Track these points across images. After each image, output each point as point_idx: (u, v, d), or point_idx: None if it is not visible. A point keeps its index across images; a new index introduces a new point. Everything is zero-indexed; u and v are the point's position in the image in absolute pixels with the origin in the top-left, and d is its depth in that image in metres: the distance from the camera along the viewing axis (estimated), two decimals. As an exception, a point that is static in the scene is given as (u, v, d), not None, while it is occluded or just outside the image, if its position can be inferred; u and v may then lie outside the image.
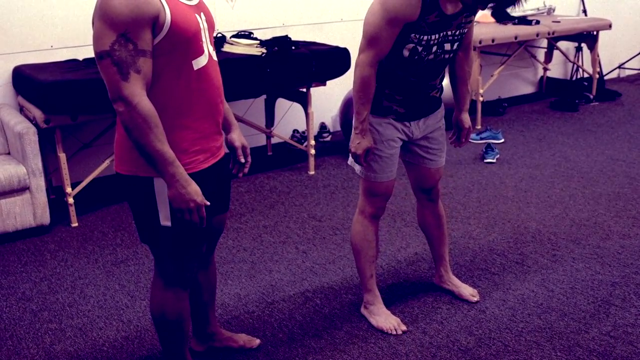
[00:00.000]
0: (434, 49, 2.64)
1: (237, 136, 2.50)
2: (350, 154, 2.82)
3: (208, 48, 2.17)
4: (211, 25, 2.24)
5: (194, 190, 2.08)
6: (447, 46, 2.68)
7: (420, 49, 2.62)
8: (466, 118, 3.03)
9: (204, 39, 2.14)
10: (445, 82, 3.06)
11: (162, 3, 1.99)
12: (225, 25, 5.21)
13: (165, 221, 2.19)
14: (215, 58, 2.24)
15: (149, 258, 3.71)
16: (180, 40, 2.04)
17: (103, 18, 1.95)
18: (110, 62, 1.95)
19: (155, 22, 1.98)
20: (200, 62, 2.13)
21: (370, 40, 2.61)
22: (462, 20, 2.66)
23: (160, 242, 2.26)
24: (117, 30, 1.93)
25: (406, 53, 2.63)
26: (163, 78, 2.06)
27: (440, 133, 2.94)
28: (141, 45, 1.96)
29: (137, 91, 1.96)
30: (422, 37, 2.59)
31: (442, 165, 3.02)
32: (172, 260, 2.31)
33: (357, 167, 2.88)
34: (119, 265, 3.65)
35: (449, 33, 2.65)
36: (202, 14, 2.17)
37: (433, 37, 2.61)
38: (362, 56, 2.64)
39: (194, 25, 2.09)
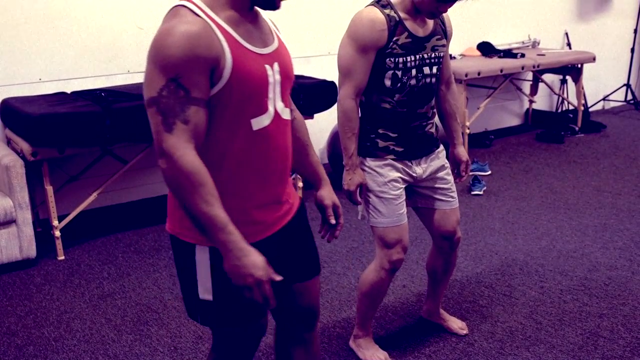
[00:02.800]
0: (414, 72, 2.66)
1: (328, 193, 2.18)
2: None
3: (275, 106, 1.85)
4: (286, 77, 1.89)
5: (252, 262, 1.69)
6: (427, 70, 2.70)
7: (399, 73, 2.63)
8: (462, 151, 3.00)
9: (271, 95, 1.82)
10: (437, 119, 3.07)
11: (223, 48, 1.70)
12: (214, 59, 5.24)
13: (205, 294, 1.89)
14: (286, 117, 1.90)
15: (135, 292, 3.69)
16: (240, 95, 1.74)
17: (154, 59, 1.66)
18: (156, 110, 1.66)
19: (214, 70, 1.69)
20: (261, 122, 1.81)
21: (346, 73, 2.63)
22: (435, 43, 2.70)
23: (199, 317, 1.95)
24: (167, 74, 1.64)
25: (388, 82, 2.65)
26: (214, 135, 1.76)
27: (446, 172, 2.90)
28: (195, 92, 1.66)
29: (180, 144, 1.65)
30: (397, 59, 2.61)
31: (456, 207, 2.95)
32: (222, 341, 2.00)
33: (366, 216, 2.82)
34: (105, 299, 3.62)
35: (425, 56, 2.67)
36: (276, 64, 1.84)
37: (409, 59, 2.63)
38: (341, 91, 2.66)
39: (260, 79, 1.78)
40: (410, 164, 2.78)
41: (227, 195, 1.79)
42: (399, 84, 2.65)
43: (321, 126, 5.75)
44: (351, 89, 2.63)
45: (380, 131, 2.73)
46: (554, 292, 3.58)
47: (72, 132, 3.90)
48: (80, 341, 3.22)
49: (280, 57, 1.87)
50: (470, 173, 5.64)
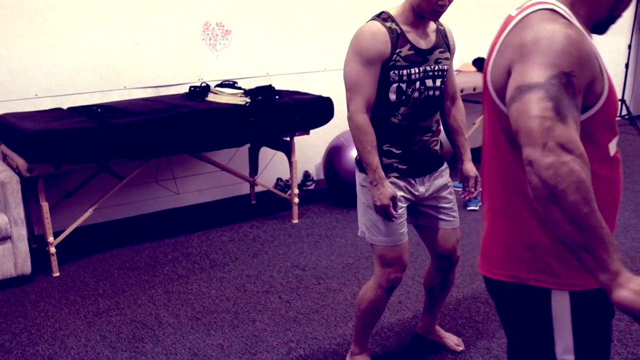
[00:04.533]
0: (417, 84, 2.65)
1: (472, 167, 2.85)
2: (363, 224, 2.76)
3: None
4: None
5: None
6: (429, 82, 2.69)
7: (404, 86, 2.63)
8: (471, 167, 2.97)
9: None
10: (443, 136, 3.05)
11: (600, 66, 1.49)
12: (210, 75, 5.26)
13: (565, 354, 1.58)
14: None
15: (131, 309, 3.67)
16: (606, 120, 1.54)
17: (544, 53, 1.43)
18: (544, 96, 1.38)
19: (587, 90, 1.46)
20: (614, 145, 1.58)
21: (352, 88, 2.62)
22: (439, 55, 2.70)
23: None
24: (561, 67, 1.41)
25: (393, 97, 2.64)
26: None
27: (449, 191, 2.89)
28: (578, 101, 1.42)
29: (578, 140, 1.37)
30: (401, 72, 2.61)
31: (457, 226, 2.94)
32: None
33: (366, 233, 2.82)
34: (100, 316, 3.61)
35: (428, 68, 2.68)
36: None
37: (413, 71, 2.63)
38: (351, 107, 2.64)
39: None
40: (413, 182, 2.77)
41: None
42: (403, 97, 2.64)
43: (317, 142, 5.76)
44: (361, 103, 2.62)
45: (385, 148, 2.72)
46: (550, 308, 3.57)
47: (68, 148, 3.90)
48: (75, 358, 3.20)
49: None
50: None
